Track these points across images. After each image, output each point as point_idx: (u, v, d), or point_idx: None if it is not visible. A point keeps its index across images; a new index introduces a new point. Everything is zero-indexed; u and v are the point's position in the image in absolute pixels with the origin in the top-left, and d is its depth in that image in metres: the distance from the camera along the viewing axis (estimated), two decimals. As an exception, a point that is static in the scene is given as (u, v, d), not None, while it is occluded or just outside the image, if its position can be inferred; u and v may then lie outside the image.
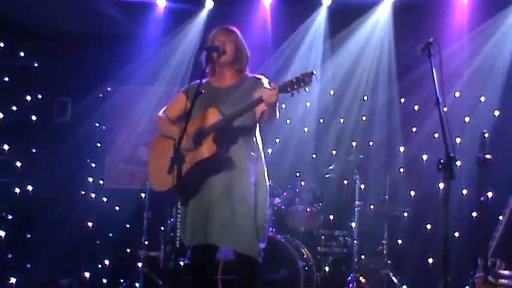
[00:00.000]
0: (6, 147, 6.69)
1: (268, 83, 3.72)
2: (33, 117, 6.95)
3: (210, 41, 3.82)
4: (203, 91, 3.44)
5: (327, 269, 5.83)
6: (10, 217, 6.60)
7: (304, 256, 5.41)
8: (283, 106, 6.26)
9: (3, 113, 6.64)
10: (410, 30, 6.24)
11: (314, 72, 3.38)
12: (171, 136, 3.73)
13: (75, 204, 6.70)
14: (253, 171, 3.68)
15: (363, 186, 5.95)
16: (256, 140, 3.77)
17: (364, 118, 6.75)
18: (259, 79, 3.78)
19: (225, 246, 3.67)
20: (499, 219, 4.51)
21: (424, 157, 6.37)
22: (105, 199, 6.96)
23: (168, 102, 4.05)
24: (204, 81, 3.73)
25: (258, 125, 3.77)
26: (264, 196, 3.73)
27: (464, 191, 6.02)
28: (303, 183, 6.08)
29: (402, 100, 6.63)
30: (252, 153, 3.71)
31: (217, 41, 3.77)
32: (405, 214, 6.17)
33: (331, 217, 6.26)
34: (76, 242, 6.49)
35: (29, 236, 6.70)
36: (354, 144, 6.61)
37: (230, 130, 3.63)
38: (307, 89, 3.38)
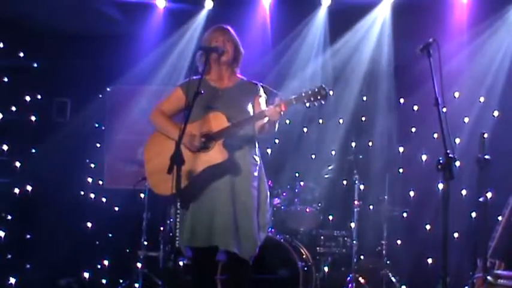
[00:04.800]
0: (5, 147, 6.68)
1: (264, 91, 3.82)
2: (33, 118, 6.94)
3: (207, 42, 3.81)
4: (202, 91, 3.45)
5: (326, 269, 5.84)
6: (9, 217, 6.59)
7: (304, 256, 5.41)
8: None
9: (2, 113, 6.63)
10: (410, 31, 6.23)
11: (324, 87, 3.44)
12: (173, 137, 3.71)
13: (75, 205, 6.69)
14: (256, 176, 3.73)
15: (362, 187, 5.96)
16: (257, 145, 3.81)
17: (363, 118, 6.76)
18: (257, 87, 3.85)
19: (228, 249, 3.68)
20: (498, 219, 4.52)
21: (423, 157, 6.37)
22: (104, 199, 6.96)
23: (164, 97, 4.03)
24: (196, 77, 3.72)
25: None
26: (265, 199, 3.78)
27: (464, 192, 6.03)
28: (302, 183, 6.08)
29: (401, 100, 6.64)
30: (255, 157, 3.75)
31: (216, 41, 3.77)
32: (404, 214, 6.18)
33: (331, 217, 6.27)
34: (75, 242, 6.48)
35: (28, 236, 6.69)
36: (353, 144, 6.62)
37: (235, 136, 3.67)
38: (316, 104, 3.45)
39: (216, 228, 3.62)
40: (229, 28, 3.87)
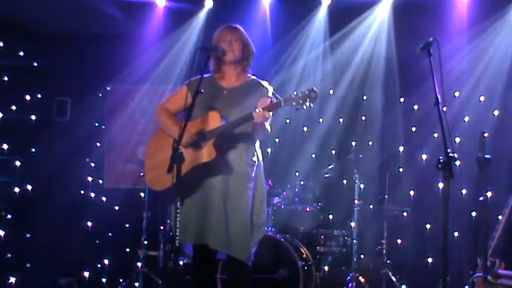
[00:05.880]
0: (5, 146, 6.68)
1: (272, 93, 3.78)
2: (33, 117, 6.94)
3: (215, 41, 3.80)
4: (202, 90, 3.44)
5: (326, 268, 5.83)
6: (9, 217, 6.59)
7: (304, 256, 5.41)
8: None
9: (2, 113, 6.63)
10: (410, 30, 6.24)
11: (315, 90, 3.43)
12: (171, 134, 3.74)
13: (75, 204, 6.68)
14: (253, 177, 3.72)
15: (362, 186, 5.95)
16: (256, 145, 3.80)
17: (363, 118, 6.76)
18: (264, 87, 3.81)
19: (217, 248, 3.68)
20: (498, 219, 4.52)
21: (424, 157, 6.37)
22: (104, 199, 6.96)
23: (171, 94, 4.04)
24: (207, 75, 3.74)
25: None
26: (262, 200, 3.77)
27: (464, 191, 6.03)
28: (302, 182, 6.09)
29: (402, 100, 6.64)
30: (253, 158, 3.74)
31: (223, 41, 3.77)
32: (404, 214, 6.17)
33: (331, 217, 6.27)
34: (75, 242, 6.48)
35: (28, 235, 6.69)
36: (353, 143, 6.62)
37: (231, 136, 3.66)
38: (305, 107, 3.42)
39: (207, 226, 3.63)
40: (239, 27, 3.86)
